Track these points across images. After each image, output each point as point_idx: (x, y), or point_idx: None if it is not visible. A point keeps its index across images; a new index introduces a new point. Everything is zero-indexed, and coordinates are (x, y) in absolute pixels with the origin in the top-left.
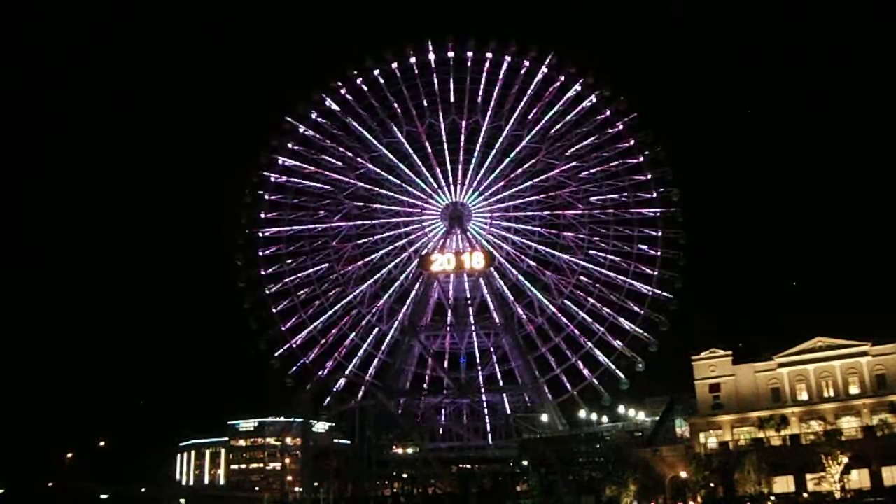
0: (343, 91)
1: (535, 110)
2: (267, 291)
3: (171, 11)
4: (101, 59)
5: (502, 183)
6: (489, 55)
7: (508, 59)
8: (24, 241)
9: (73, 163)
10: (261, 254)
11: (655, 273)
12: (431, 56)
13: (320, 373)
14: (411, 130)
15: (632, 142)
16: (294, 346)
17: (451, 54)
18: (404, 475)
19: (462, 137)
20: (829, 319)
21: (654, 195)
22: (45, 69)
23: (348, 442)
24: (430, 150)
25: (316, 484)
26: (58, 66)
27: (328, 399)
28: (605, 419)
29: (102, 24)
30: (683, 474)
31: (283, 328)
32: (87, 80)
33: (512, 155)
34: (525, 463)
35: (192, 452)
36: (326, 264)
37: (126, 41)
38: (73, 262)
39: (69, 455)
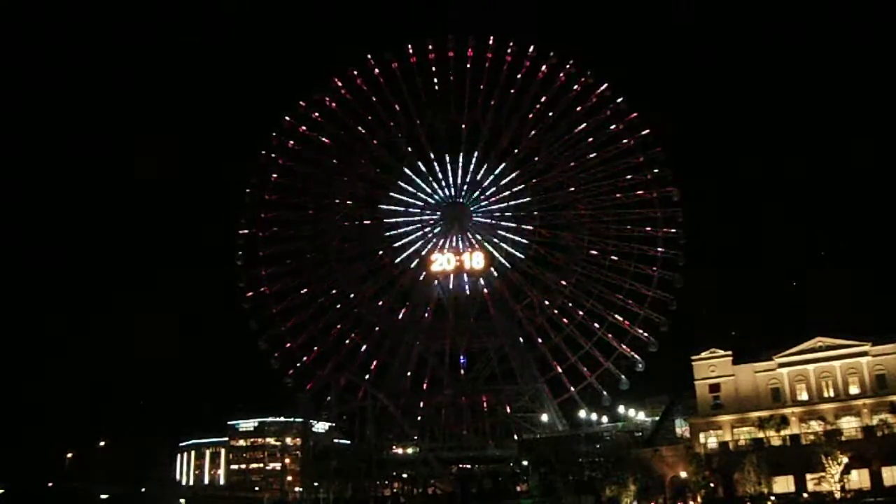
0: (343, 91)
1: (534, 110)
2: (267, 291)
3: (172, 9)
4: (100, 57)
5: (502, 183)
6: (489, 55)
7: (508, 59)
8: (24, 240)
9: (74, 162)
10: (261, 254)
11: (655, 273)
12: (432, 55)
13: (320, 373)
14: (411, 130)
15: (632, 142)
16: (294, 346)
17: (451, 54)
18: (404, 475)
19: (462, 137)
20: (829, 319)
21: (654, 195)
22: (45, 66)
23: (348, 442)
24: (430, 149)
25: (316, 484)
26: (57, 63)
27: (328, 399)
28: (605, 419)
29: (101, 22)
30: (683, 474)
31: (283, 328)
32: (85, 78)
33: (512, 155)
34: (525, 463)
35: (192, 452)
36: (326, 264)
37: (125, 39)
38: (73, 261)
39: (69, 455)
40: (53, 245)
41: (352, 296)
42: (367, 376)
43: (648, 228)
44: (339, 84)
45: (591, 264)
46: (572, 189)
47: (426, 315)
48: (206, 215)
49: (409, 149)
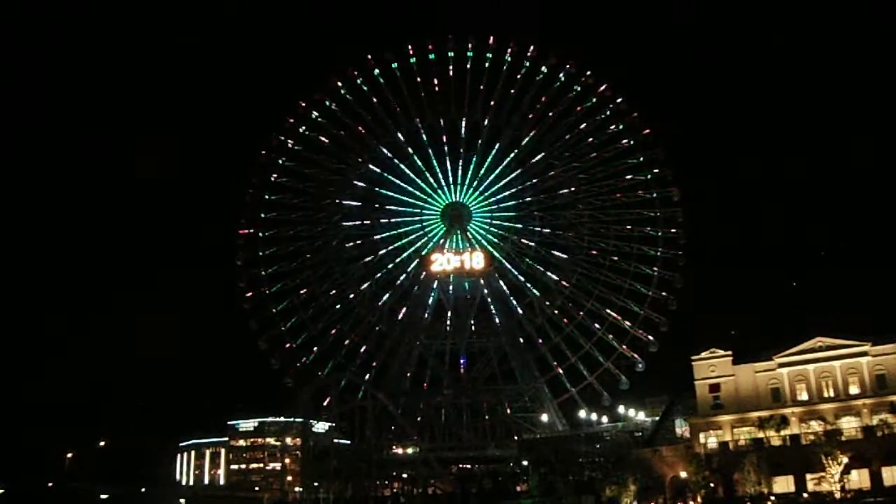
0: (343, 91)
1: (534, 110)
2: (267, 291)
3: (173, 10)
4: (100, 57)
5: (502, 183)
6: (489, 55)
7: (509, 59)
8: (24, 240)
9: (74, 162)
10: (261, 254)
11: (655, 273)
12: (432, 55)
13: (320, 373)
14: (411, 130)
15: (632, 142)
16: (294, 346)
17: (451, 53)
18: (404, 475)
19: (462, 137)
20: (829, 319)
21: (654, 195)
22: (45, 66)
23: (348, 442)
24: (430, 149)
25: (316, 484)
26: (57, 62)
27: (328, 399)
28: (605, 419)
29: (101, 22)
30: (683, 474)
31: (283, 328)
32: (85, 78)
33: (512, 155)
34: (525, 463)
35: (192, 452)
36: (326, 264)
37: (125, 39)
38: (73, 261)
39: (69, 455)
40: (53, 245)
41: (351, 296)
42: (367, 376)
43: (648, 228)
44: (339, 84)
45: (591, 264)
46: (572, 189)
47: (426, 315)
48: (206, 215)
49: (410, 149)
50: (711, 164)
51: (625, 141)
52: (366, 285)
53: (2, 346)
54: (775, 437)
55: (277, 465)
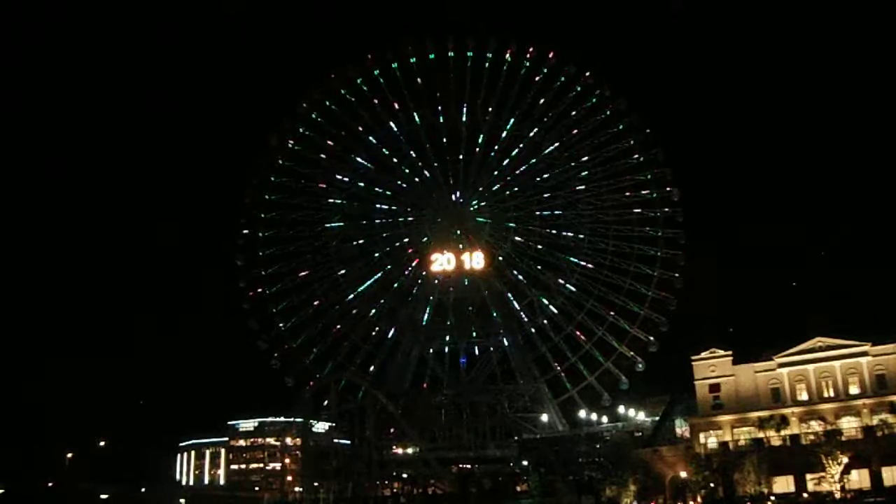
0: (343, 90)
1: (535, 110)
2: (267, 291)
3: (170, 11)
4: (99, 57)
5: (502, 183)
6: (489, 54)
7: (509, 58)
8: (23, 239)
9: (73, 163)
10: (261, 254)
11: (655, 273)
12: (432, 55)
13: (319, 374)
14: (411, 129)
15: (632, 142)
16: (294, 346)
17: (451, 53)
18: (404, 475)
19: (462, 137)
20: (829, 319)
21: (654, 195)
22: (45, 65)
23: (348, 442)
24: (429, 149)
25: (316, 484)
26: (57, 62)
27: (328, 399)
28: (605, 419)
29: (101, 22)
30: (683, 474)
31: (283, 328)
32: (85, 77)
33: (512, 154)
34: (525, 463)
35: (192, 452)
36: (326, 265)
37: (124, 39)
38: (72, 261)
39: (69, 455)
40: (53, 245)
41: (351, 296)
42: (367, 376)
43: (648, 228)
44: (339, 84)
45: (590, 264)
46: (572, 189)
47: (426, 315)
48: (207, 216)
49: (410, 148)
50: (711, 164)
51: (625, 141)
52: (366, 285)
53: (2, 346)
54: (775, 437)
55: (277, 465)
